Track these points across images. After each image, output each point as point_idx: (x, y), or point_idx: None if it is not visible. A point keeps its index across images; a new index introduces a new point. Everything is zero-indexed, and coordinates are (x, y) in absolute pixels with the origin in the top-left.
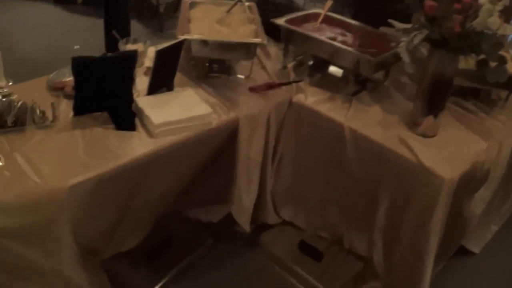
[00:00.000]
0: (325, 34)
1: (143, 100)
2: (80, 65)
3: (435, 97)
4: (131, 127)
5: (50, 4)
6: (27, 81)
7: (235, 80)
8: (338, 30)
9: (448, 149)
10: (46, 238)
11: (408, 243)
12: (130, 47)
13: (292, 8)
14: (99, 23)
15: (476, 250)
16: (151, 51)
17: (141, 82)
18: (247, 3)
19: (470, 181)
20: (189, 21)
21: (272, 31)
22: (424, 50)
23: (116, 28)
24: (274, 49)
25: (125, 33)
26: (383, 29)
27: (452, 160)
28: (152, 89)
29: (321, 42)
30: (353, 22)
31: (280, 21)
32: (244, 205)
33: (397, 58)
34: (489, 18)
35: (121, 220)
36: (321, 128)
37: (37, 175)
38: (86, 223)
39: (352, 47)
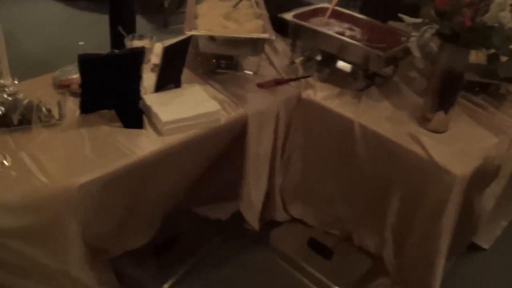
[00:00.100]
0: (333, 29)
1: (150, 98)
2: (87, 63)
3: (446, 92)
4: (138, 125)
5: (53, 0)
6: (31, 78)
7: (243, 76)
8: (346, 25)
9: (459, 145)
10: (53, 238)
11: (419, 240)
12: (136, 43)
13: (298, 3)
14: (103, 18)
15: (486, 245)
16: (158, 48)
17: (148, 78)
18: None
19: (482, 177)
20: (195, 17)
21: (279, 26)
22: (434, 45)
23: (122, 24)
24: (281, 44)
25: (131, 29)
26: (391, 23)
27: (463, 156)
28: (160, 86)
29: (330, 37)
30: (361, 16)
31: (288, 16)
32: (253, 202)
33: (406, 52)
34: (501, 12)
35: (129, 219)
36: (331, 124)
37: (44, 175)
38: (94, 222)
39: (361, 42)
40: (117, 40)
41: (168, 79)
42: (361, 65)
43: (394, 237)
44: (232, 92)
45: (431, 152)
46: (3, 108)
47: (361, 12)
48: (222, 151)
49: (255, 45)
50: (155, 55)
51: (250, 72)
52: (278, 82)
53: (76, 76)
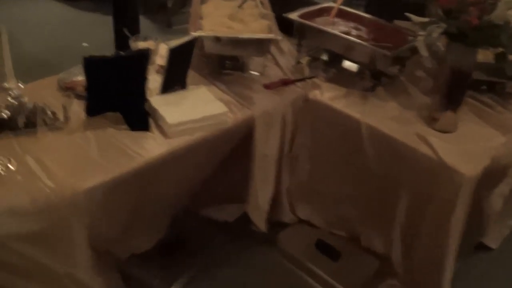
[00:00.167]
0: (339, 28)
1: (156, 100)
2: (92, 65)
3: (454, 91)
4: (145, 127)
5: (56, 0)
6: (34, 80)
7: (249, 77)
8: (352, 24)
9: (467, 145)
10: (60, 242)
11: (428, 240)
12: (141, 44)
13: (303, 2)
14: (106, 19)
15: (493, 245)
16: (163, 49)
17: (153, 80)
18: None
19: (490, 177)
20: (200, 17)
21: (284, 26)
22: (440, 44)
23: (125, 24)
24: (286, 44)
25: (134, 29)
26: (397, 22)
27: (472, 155)
28: (166, 88)
29: (336, 36)
30: (366, 15)
31: (293, 15)
32: (260, 204)
33: (413, 52)
34: (508, 11)
35: (135, 222)
36: (338, 124)
37: (50, 179)
38: (100, 225)
39: (367, 41)
40: (121, 40)
41: (174, 80)
42: (368, 65)
43: (402, 238)
44: (238, 93)
45: (439, 152)
46: (8, 112)
47: (365, 11)
48: (229, 153)
49: (261, 46)
50: (160, 57)
51: (256, 73)
52: (285, 83)
53: (81, 78)
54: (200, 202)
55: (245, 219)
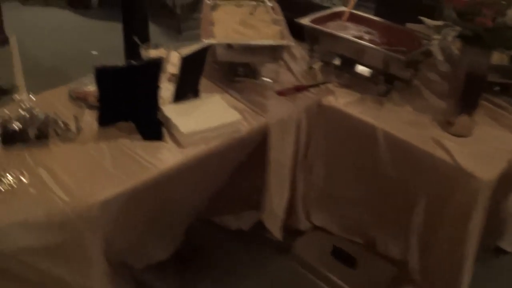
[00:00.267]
0: (351, 33)
1: (169, 109)
2: (104, 75)
3: (469, 95)
4: (158, 136)
5: (64, 8)
6: (44, 88)
7: (261, 84)
8: (363, 28)
9: (483, 149)
10: (75, 255)
11: (445, 246)
12: (152, 52)
13: (312, 6)
14: (116, 26)
15: (509, 248)
16: (174, 57)
17: (165, 89)
18: (270, 4)
19: (506, 180)
20: (212, 24)
21: (295, 31)
22: (453, 47)
23: (135, 31)
24: (298, 50)
25: (144, 36)
26: (409, 25)
27: (488, 159)
28: (178, 96)
29: (349, 41)
30: (378, 19)
31: (305, 21)
32: (275, 212)
33: (427, 55)
34: None
35: (151, 233)
36: (353, 130)
37: (64, 192)
38: (116, 238)
39: (381, 45)
40: (131, 48)
41: (187, 89)
42: (382, 69)
43: (419, 244)
44: (251, 100)
45: (456, 156)
46: (19, 124)
47: (375, 14)
48: (243, 161)
49: (274, 52)
50: (171, 65)
51: (269, 80)
52: (298, 89)
53: (92, 88)
54: (214, 211)
55: (260, 227)
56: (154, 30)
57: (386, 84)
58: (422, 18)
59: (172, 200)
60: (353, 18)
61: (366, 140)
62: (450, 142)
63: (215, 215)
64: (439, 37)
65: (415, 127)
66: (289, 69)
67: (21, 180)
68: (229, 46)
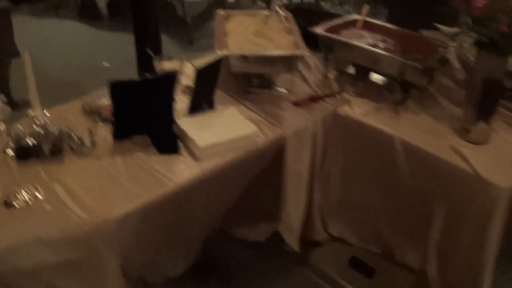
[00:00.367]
0: (366, 41)
1: (184, 121)
2: (118, 89)
3: (486, 102)
4: (174, 150)
5: (75, 20)
6: (56, 100)
7: (276, 94)
8: (378, 36)
9: (501, 156)
10: (92, 272)
11: (464, 255)
12: (165, 65)
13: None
14: (127, 37)
15: None
16: (188, 68)
17: (179, 101)
18: (282, 13)
19: None
20: (225, 35)
21: (308, 40)
22: (469, 54)
23: (147, 42)
24: (312, 59)
25: (156, 47)
26: (424, 32)
27: (507, 167)
28: (193, 109)
29: (365, 50)
30: (393, 26)
31: (319, 29)
32: (292, 224)
33: (443, 63)
34: None
35: (168, 247)
36: (370, 140)
37: (80, 207)
38: (133, 253)
39: (396, 53)
40: (143, 59)
41: (201, 101)
42: (398, 78)
43: (438, 253)
44: (267, 111)
45: (474, 165)
46: (33, 140)
47: (388, 21)
48: (260, 172)
49: (289, 62)
50: (185, 76)
51: (283, 90)
52: (313, 99)
53: (106, 101)
54: (231, 223)
55: (276, 238)
56: (164, 40)
57: (402, 92)
58: (438, 25)
59: (189, 213)
60: (367, 26)
61: (383, 150)
62: (467, 150)
63: (232, 227)
64: (455, 44)
65: (433, 136)
66: (304, 78)
67: (36, 196)
68: (244, 57)
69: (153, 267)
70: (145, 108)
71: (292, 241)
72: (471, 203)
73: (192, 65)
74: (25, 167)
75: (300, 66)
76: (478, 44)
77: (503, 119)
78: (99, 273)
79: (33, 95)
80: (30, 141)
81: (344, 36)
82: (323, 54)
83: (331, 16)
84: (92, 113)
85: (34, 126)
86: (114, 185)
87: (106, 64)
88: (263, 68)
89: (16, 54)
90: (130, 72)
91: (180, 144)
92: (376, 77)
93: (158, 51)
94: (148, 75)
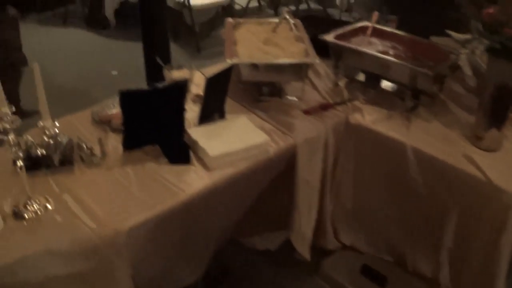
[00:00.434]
0: (376, 48)
1: (195, 131)
2: (129, 99)
3: (498, 108)
4: (185, 160)
5: (82, 29)
6: (64, 109)
7: (287, 103)
8: (388, 43)
9: None
10: (103, 283)
11: (477, 263)
12: (175, 74)
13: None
14: (134, 46)
15: None
16: (197, 77)
17: (190, 110)
18: (292, 21)
19: None
20: (235, 43)
21: (317, 47)
22: (480, 61)
23: (156, 51)
24: (322, 67)
25: (165, 56)
26: (433, 39)
27: None
28: (204, 118)
29: (376, 57)
30: (403, 33)
31: (329, 37)
32: (304, 233)
33: (453, 69)
34: None
35: (179, 257)
36: (382, 148)
37: (91, 218)
38: (144, 264)
39: (407, 60)
40: (152, 68)
41: (212, 110)
42: (409, 85)
43: (450, 261)
44: (278, 120)
45: (486, 172)
46: (43, 151)
47: (397, 28)
48: (271, 182)
49: (299, 71)
50: (195, 85)
51: (294, 98)
52: (324, 107)
53: (115, 110)
54: (242, 231)
55: (287, 247)
56: (172, 48)
57: (413, 99)
58: (449, 31)
59: (200, 224)
60: (377, 33)
61: (395, 158)
62: (480, 157)
63: (243, 236)
64: (467, 50)
65: (445, 143)
66: (314, 86)
67: (46, 207)
68: (254, 66)
69: (164, 277)
70: (155, 118)
71: (304, 249)
72: (484, 211)
73: (202, 73)
74: (35, 177)
75: (310, 73)
76: (490, 50)
77: None
78: (110, 284)
79: (43, 106)
80: (40, 151)
81: (354, 44)
82: (333, 61)
83: (340, 23)
84: (102, 122)
85: (44, 137)
86: (125, 196)
87: (114, 72)
88: (274, 76)
89: (24, 62)
90: (138, 81)
91: (191, 154)
92: (386, 84)
93: (167, 60)
94: (158, 85)
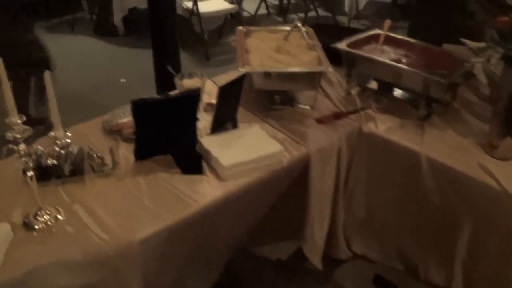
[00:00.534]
0: (389, 56)
1: (208, 140)
2: (141, 108)
3: None
4: (198, 170)
5: (90, 36)
6: (74, 116)
7: (299, 112)
8: (401, 51)
9: None
10: None
11: (491, 272)
12: (186, 82)
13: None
14: (143, 53)
15: None
16: (209, 85)
17: (201, 119)
18: (304, 29)
19: None
20: (246, 51)
21: (329, 55)
22: (494, 69)
23: (166, 59)
24: (334, 75)
25: (175, 63)
26: (446, 47)
27: None
28: (216, 127)
29: (389, 65)
30: (415, 41)
31: (342, 45)
32: (316, 242)
33: (467, 77)
34: None
35: (190, 267)
36: (395, 157)
37: (102, 230)
38: (156, 274)
39: (420, 68)
40: (162, 76)
41: (224, 118)
42: (422, 93)
43: (464, 270)
44: (291, 129)
45: (501, 181)
46: (54, 161)
47: (409, 35)
48: (284, 191)
49: (312, 79)
50: (206, 93)
51: (307, 107)
52: (337, 116)
53: (126, 119)
54: (253, 241)
55: (298, 256)
56: (182, 56)
57: (427, 108)
58: (464, 40)
59: (212, 234)
60: (389, 41)
61: (409, 167)
62: (495, 166)
63: (254, 245)
64: (482, 59)
65: (459, 152)
66: (327, 95)
67: (57, 217)
68: (267, 74)
69: (175, 287)
70: (168, 127)
71: (315, 259)
72: (498, 220)
73: (214, 82)
74: (45, 188)
75: (322, 82)
76: (505, 58)
77: None
78: None
79: (55, 116)
80: (50, 161)
81: (366, 52)
82: (346, 69)
83: (350, 31)
84: (113, 132)
85: (56, 147)
86: (137, 206)
87: (122, 80)
88: (286, 85)
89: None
90: (147, 88)
91: (204, 164)
92: (399, 92)
93: (177, 68)
94: (170, 94)
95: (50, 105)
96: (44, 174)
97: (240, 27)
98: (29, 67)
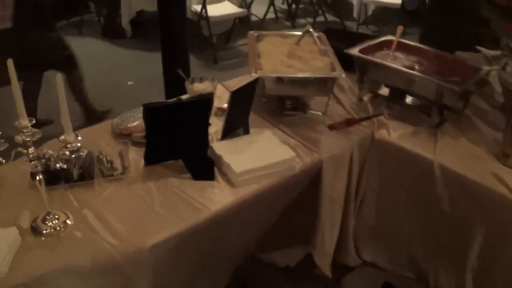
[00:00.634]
0: (401, 63)
1: (219, 146)
2: (153, 113)
3: None
4: (210, 176)
5: (98, 38)
6: (81, 119)
7: (311, 118)
8: (413, 57)
9: None
10: None
11: (503, 281)
12: (197, 86)
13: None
14: (150, 56)
15: None
16: (219, 89)
17: (212, 124)
18: (316, 34)
19: None
20: (258, 56)
21: (340, 61)
22: (507, 77)
23: (175, 63)
24: (346, 81)
25: (185, 68)
26: (459, 54)
27: None
28: (227, 132)
29: (402, 72)
30: (428, 48)
31: (354, 51)
32: (326, 249)
33: (480, 85)
34: None
35: (201, 273)
36: (407, 164)
37: (112, 235)
38: (165, 281)
39: (433, 75)
40: (171, 80)
41: (236, 124)
42: (434, 100)
43: (474, 280)
44: (303, 135)
45: None
46: (63, 165)
47: (420, 41)
48: (296, 198)
49: (325, 85)
50: (217, 98)
51: (319, 113)
52: (349, 123)
53: (136, 123)
54: (262, 247)
55: (307, 263)
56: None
57: (439, 115)
58: (479, 47)
59: (223, 240)
60: (402, 47)
61: (421, 174)
62: (508, 175)
63: (263, 252)
64: (497, 67)
65: (472, 160)
66: (339, 101)
67: (65, 222)
68: (279, 79)
69: None
70: (180, 132)
71: (325, 266)
72: (510, 229)
73: (224, 86)
74: (53, 192)
75: (334, 88)
76: None
77: None
78: None
79: (65, 119)
80: (59, 165)
81: (379, 58)
82: (358, 76)
83: (360, 36)
84: (123, 136)
85: (66, 151)
86: (147, 212)
87: (130, 82)
88: (299, 90)
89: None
90: (154, 91)
91: (216, 170)
92: (411, 99)
93: (187, 72)
94: (182, 98)
95: (60, 108)
96: (53, 178)
97: (252, 31)
98: (55, 66)
